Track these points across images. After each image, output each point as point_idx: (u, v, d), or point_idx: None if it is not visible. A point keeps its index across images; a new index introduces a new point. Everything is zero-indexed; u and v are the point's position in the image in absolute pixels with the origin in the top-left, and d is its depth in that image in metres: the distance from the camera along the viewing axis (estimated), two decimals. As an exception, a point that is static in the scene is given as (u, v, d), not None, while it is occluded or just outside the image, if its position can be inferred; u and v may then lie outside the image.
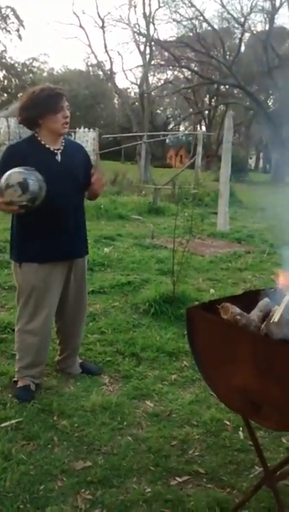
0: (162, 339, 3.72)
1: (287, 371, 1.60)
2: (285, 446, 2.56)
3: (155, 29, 40.91)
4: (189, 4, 26.03)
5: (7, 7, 31.47)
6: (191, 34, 27.61)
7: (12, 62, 36.29)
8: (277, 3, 25.62)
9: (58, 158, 2.79)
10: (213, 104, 37.14)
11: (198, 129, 37.75)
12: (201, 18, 26.68)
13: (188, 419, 2.76)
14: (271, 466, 2.02)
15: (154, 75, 31.33)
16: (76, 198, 2.86)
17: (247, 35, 28.93)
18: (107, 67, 28.83)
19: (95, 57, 36.31)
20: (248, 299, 2.04)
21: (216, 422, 2.73)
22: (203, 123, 40.06)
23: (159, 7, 32.03)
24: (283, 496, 2.18)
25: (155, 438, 2.56)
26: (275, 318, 1.74)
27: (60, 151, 2.80)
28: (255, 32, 28.38)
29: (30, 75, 36.97)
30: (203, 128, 38.35)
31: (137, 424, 2.68)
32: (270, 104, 32.94)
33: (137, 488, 2.20)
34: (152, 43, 25.00)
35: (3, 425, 2.57)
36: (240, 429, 2.66)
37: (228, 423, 2.73)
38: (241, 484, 2.27)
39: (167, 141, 39.07)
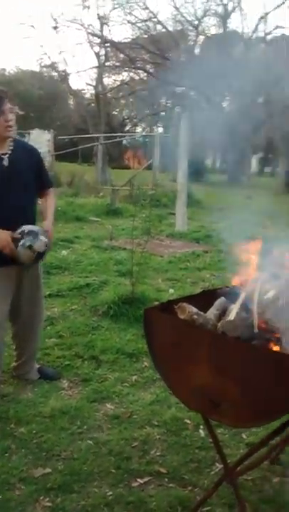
0: (122, 341, 3.71)
1: (243, 368, 1.62)
2: (244, 442, 2.59)
3: (109, 30, 40.81)
4: (144, 6, 26.13)
5: None
6: (145, 36, 27.69)
7: None
8: (230, 8, 26.08)
9: (5, 162, 2.72)
10: (169, 105, 37.38)
11: (156, 130, 37.91)
12: (156, 20, 26.81)
13: (148, 419, 2.76)
14: (232, 463, 2.04)
15: (109, 76, 31.23)
16: (26, 201, 2.80)
17: (201, 37, 29.30)
18: (61, 68, 28.56)
19: (49, 57, 35.79)
20: (206, 298, 2.06)
21: (177, 421, 2.74)
22: (160, 124, 40.26)
23: (114, 8, 31.92)
24: (244, 490, 2.22)
25: (116, 440, 2.54)
26: (231, 316, 1.76)
27: (7, 155, 2.74)
28: (209, 35, 28.77)
29: (-18, 76, 36.15)
30: (160, 129, 38.54)
31: (98, 428, 2.66)
32: (225, 105, 33.44)
33: (98, 491, 2.18)
34: (107, 44, 24.94)
35: None
36: (201, 427, 2.67)
37: (188, 422, 2.74)
38: (203, 482, 2.28)
39: (124, 142, 39.06)
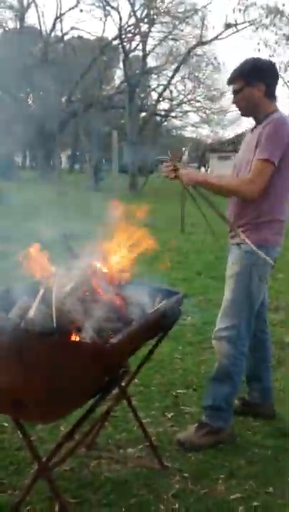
0: None
1: (46, 362, 1.66)
2: (62, 434, 2.64)
3: None
4: None
5: None
6: None
7: None
8: (26, 3, 25.72)
9: None
10: None
11: None
12: None
13: None
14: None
15: None
16: None
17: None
18: None
19: None
20: (8, 298, 2.04)
21: (-7, 427, 2.68)
22: None
23: None
24: (63, 480, 2.28)
25: None
26: (31, 313, 1.78)
27: None
28: (7, 28, 28.05)
29: None
30: None
31: None
32: (30, 102, 33.03)
33: None
34: None
35: None
36: (20, 427, 2.65)
37: (6, 424, 2.70)
38: (23, 482, 2.26)
39: None
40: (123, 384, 2.26)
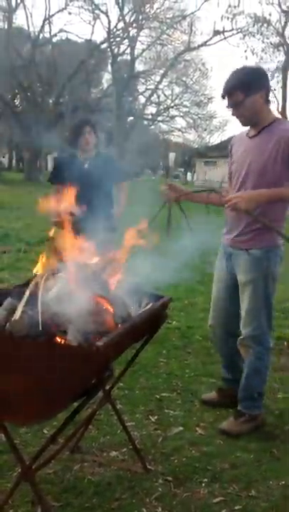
0: None
1: (31, 364, 1.66)
2: (46, 437, 2.63)
3: None
4: None
5: None
6: None
7: None
8: (14, 3, 25.62)
9: None
10: None
11: None
12: None
13: None
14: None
15: None
16: None
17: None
18: None
19: None
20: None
21: (-24, 430, 2.64)
22: None
23: None
24: (46, 484, 2.27)
25: None
26: (16, 315, 1.77)
27: None
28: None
29: None
30: None
31: None
32: (17, 103, 32.82)
33: None
34: None
35: None
36: (2, 430, 2.62)
37: (-12, 428, 2.67)
38: (5, 485, 2.25)
39: None
40: (108, 387, 2.27)
